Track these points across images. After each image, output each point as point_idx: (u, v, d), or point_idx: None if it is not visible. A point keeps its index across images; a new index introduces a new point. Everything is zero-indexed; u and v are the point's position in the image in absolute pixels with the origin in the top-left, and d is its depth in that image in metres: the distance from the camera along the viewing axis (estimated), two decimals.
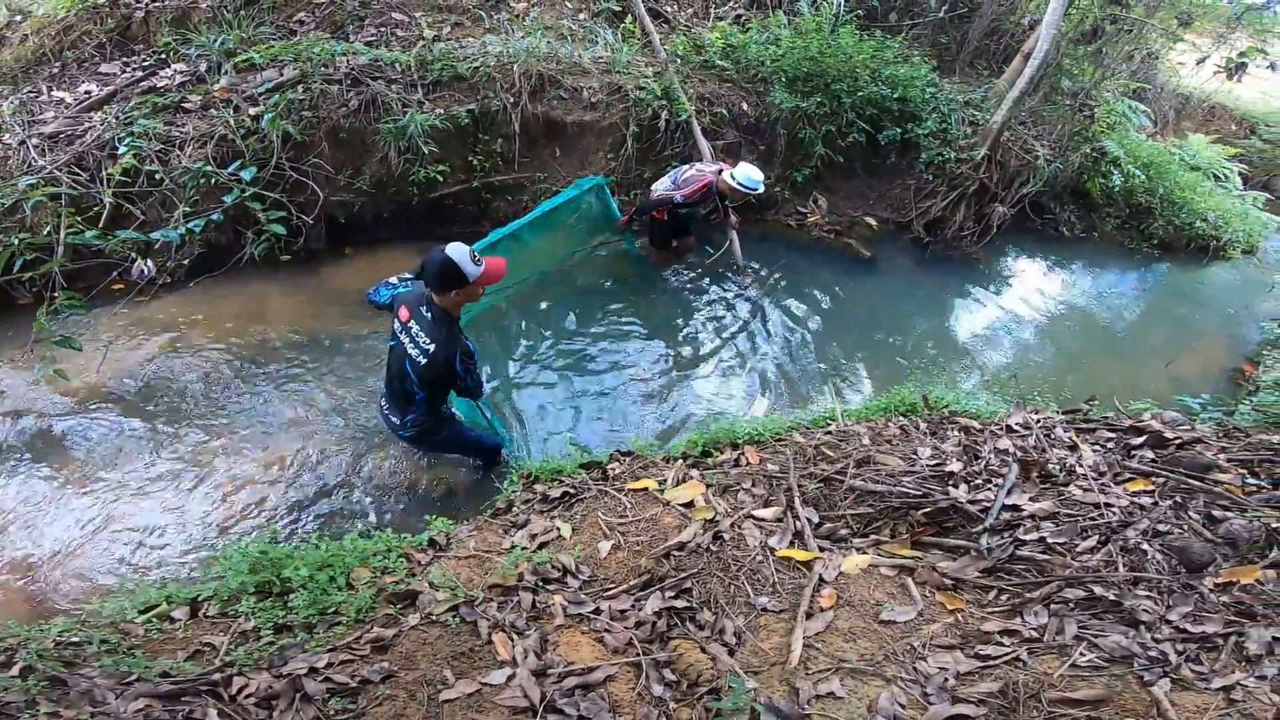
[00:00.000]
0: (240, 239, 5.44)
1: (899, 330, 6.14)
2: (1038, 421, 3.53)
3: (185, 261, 5.33)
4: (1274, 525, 2.60)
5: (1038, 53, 6.82)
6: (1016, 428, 3.49)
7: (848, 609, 2.43)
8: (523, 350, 5.31)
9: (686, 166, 5.73)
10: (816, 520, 2.95)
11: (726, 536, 2.89)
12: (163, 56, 5.95)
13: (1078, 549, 2.60)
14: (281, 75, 5.58)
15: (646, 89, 6.23)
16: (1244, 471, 3.05)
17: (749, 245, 6.28)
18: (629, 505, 3.21)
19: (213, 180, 5.20)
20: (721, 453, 3.70)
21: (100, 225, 4.91)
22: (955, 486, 2.96)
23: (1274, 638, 2.15)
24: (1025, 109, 7.66)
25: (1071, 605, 2.37)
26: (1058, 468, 3.12)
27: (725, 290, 6.20)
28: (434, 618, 2.42)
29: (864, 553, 2.73)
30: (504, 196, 6.22)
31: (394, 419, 3.69)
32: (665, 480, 3.39)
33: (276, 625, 2.41)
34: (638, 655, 2.34)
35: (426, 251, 3.25)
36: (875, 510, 2.91)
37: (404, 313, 3.41)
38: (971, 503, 2.83)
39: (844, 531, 2.88)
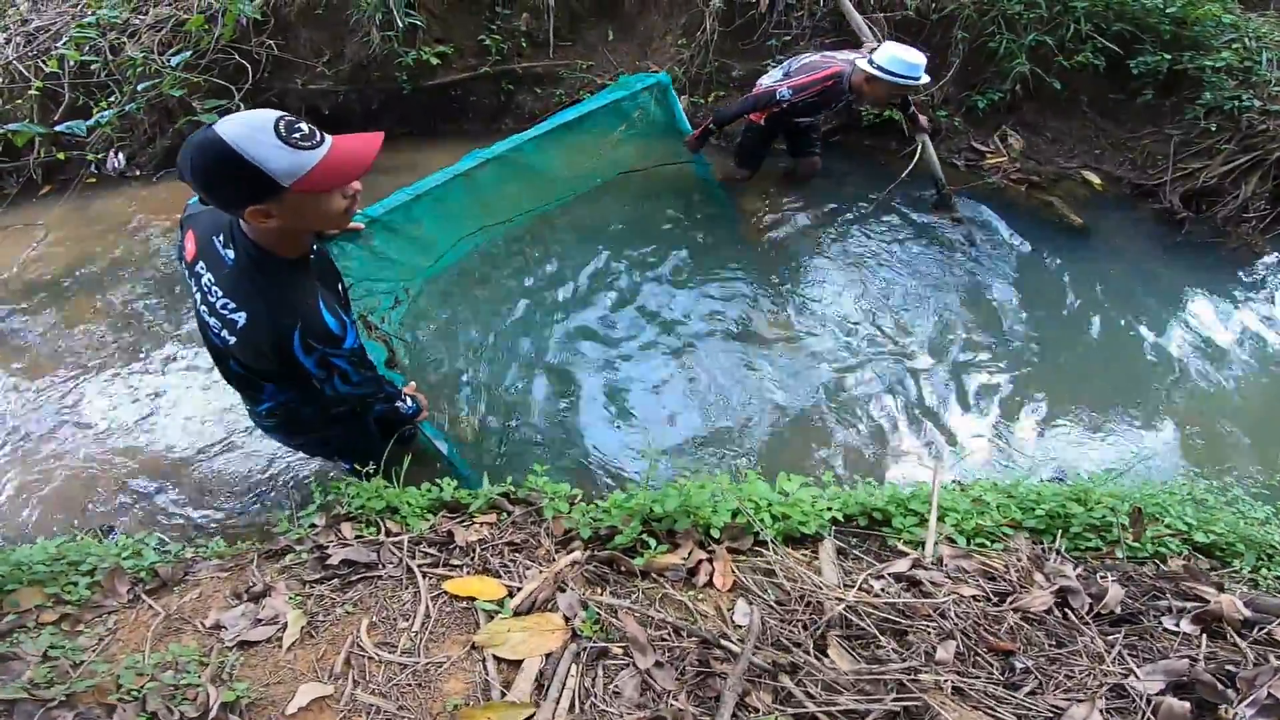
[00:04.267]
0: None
1: (1116, 339, 3.86)
2: None
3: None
4: None
5: None
6: None
7: None
8: (518, 321, 3.74)
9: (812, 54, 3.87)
10: None
11: None
12: None
13: None
14: None
15: None
16: None
17: (874, 183, 4.25)
18: (425, 622, 1.66)
19: (150, 68, 4.44)
20: (680, 545, 1.86)
21: (56, 117, 4.56)
22: None
23: None
24: None
25: None
26: None
27: (876, 240, 4.24)
28: None
29: None
30: (531, 89, 4.68)
31: (246, 404, 2.17)
32: (520, 590, 1.74)
33: None
34: None
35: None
36: None
37: (190, 246, 1.76)
38: None
39: None
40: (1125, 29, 4.71)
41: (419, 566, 1.82)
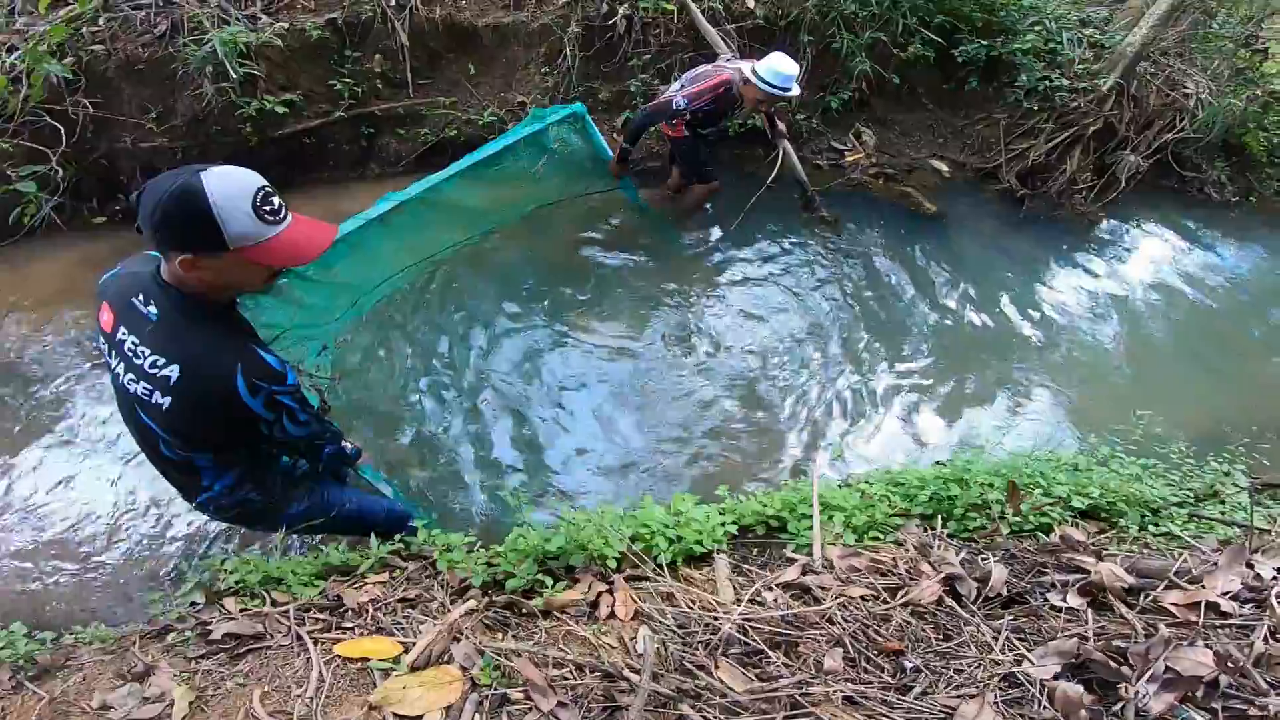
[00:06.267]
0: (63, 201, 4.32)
1: (981, 315, 4.16)
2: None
3: None
4: None
5: None
6: (1225, 605, 1.47)
7: None
8: (451, 355, 3.69)
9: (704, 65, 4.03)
10: None
11: None
12: None
13: None
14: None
15: None
16: None
17: (745, 191, 4.39)
18: (320, 686, 1.57)
19: None
20: (579, 580, 1.84)
21: None
22: None
23: None
24: (1172, 34, 5.63)
25: None
26: None
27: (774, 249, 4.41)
28: None
29: None
30: (394, 131, 4.55)
31: (184, 496, 2.03)
32: (414, 645, 1.63)
33: None
34: None
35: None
36: None
37: (106, 315, 1.69)
38: None
39: None
40: (946, 20, 5.05)
41: (308, 633, 1.73)
